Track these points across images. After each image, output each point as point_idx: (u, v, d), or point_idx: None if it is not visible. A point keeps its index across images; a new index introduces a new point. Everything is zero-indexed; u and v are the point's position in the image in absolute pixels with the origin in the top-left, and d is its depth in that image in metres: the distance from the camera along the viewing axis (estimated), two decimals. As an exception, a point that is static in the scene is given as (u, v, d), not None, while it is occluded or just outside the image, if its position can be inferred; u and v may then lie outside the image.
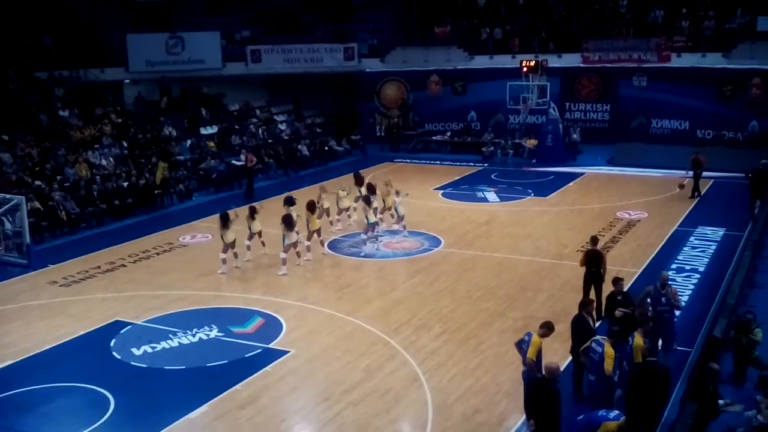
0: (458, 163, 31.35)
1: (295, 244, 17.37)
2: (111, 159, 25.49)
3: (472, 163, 31.27)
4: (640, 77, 32.24)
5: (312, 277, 17.35)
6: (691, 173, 23.91)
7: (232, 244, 17.54)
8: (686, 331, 12.98)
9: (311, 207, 18.28)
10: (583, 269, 14.08)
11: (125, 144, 27.02)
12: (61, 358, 13.18)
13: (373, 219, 18.69)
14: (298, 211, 18.39)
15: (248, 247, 18.22)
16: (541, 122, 32.56)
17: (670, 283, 12.56)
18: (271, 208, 20.83)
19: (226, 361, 12.77)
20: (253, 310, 15.03)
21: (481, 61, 34.01)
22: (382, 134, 35.89)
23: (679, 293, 13.30)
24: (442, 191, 26.05)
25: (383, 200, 20.28)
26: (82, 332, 14.20)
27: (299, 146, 31.63)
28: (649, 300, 11.93)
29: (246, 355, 12.96)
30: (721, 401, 9.54)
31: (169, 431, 10.69)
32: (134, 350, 13.27)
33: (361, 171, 23.04)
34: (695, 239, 19.19)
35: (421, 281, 16.67)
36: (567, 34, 33.55)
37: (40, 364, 12.88)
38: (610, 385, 9.67)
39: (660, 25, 31.83)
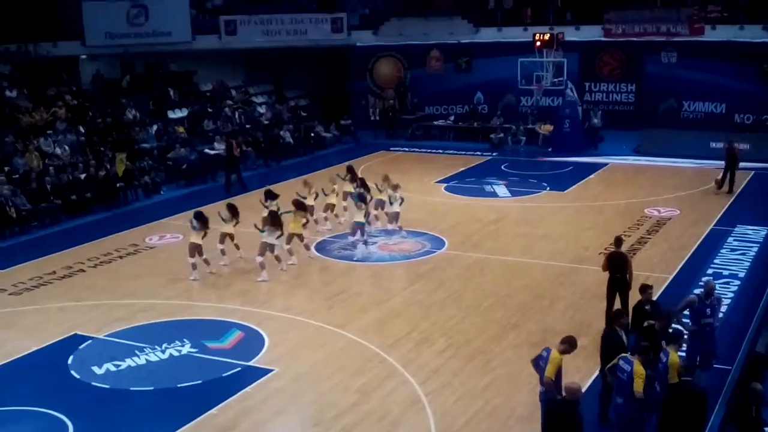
0: (463, 152, 31.39)
1: (272, 246, 17.33)
2: (66, 147, 25.42)
3: (479, 152, 31.31)
4: (670, 53, 32.31)
5: (298, 284, 17.34)
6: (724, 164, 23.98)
7: (231, 236, 17.85)
8: (725, 347, 12.99)
9: (301, 206, 18.30)
10: (606, 274, 14.12)
11: (82, 129, 26.96)
12: (10, 377, 13.12)
13: (362, 219, 18.68)
14: (282, 207, 18.46)
15: (222, 251, 18.21)
16: (557, 105, 32.65)
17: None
18: (249, 203, 20.82)
19: (200, 381, 12.74)
20: (231, 323, 14.99)
21: (489, 34, 34.06)
22: (377, 118, 35.94)
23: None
24: (445, 185, 26.08)
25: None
26: (35, 348, 14.14)
27: (281, 132, 31.61)
28: (687, 311, 11.94)
29: (223, 374, 12.94)
30: (767, 428, 9.58)
31: (137, 462, 10.69)
32: (95, 369, 13.23)
33: (352, 162, 22.97)
34: (734, 240, 19.27)
35: (422, 288, 16.68)
36: (586, 3, 33.58)
37: (-13, 385, 12.88)
38: (640, 409, 9.70)
39: (692, -7, 31.93)
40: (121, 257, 19.34)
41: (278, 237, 17.47)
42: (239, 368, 13.13)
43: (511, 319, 14.87)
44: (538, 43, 30.68)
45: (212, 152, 28.46)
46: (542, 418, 9.96)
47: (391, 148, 32.58)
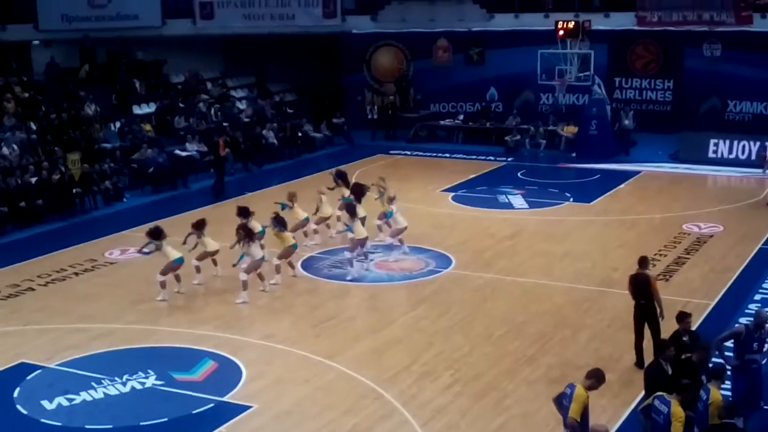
0: (473, 157, 31.43)
1: (259, 263, 17.37)
2: (15, 146, 25.45)
3: (491, 157, 31.35)
4: (713, 45, 32.43)
5: (280, 307, 17.31)
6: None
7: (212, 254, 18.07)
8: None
9: (280, 220, 18.31)
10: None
11: (34, 126, 27.00)
12: (-53, 412, 13.12)
13: (362, 233, 18.68)
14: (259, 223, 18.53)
15: (197, 268, 18.21)
16: (582, 103, 32.70)
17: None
18: (224, 214, 20.83)
19: (166, 419, 12.70)
20: (203, 351, 14.96)
21: (504, 21, 34.21)
22: (374, 117, 36.06)
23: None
24: (453, 194, 26.11)
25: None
26: (-25, 378, 14.14)
27: (264, 132, 31.66)
28: (730, 343, 11.92)
29: (193, 411, 12.89)
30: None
31: None
32: (45, 403, 13.18)
33: (343, 167, 22.99)
34: (786, 261, 19.33)
35: (426, 314, 16.66)
36: (617, -13, 33.78)
37: None
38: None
39: (739, -24, 32.04)
40: (76, 274, 19.30)
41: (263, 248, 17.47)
42: (212, 404, 13.08)
43: (528, 351, 14.83)
44: (561, 32, 30.69)
45: (183, 154, 28.50)
46: None
47: (391, 151, 32.62)
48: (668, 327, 12.99)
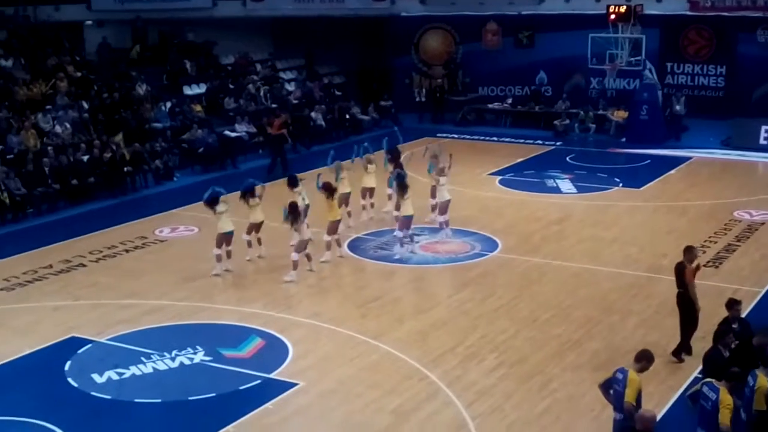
0: (522, 141, 31.31)
1: (306, 243, 17.45)
2: (67, 125, 25.77)
3: (540, 141, 31.20)
4: (767, 31, 31.89)
5: (327, 286, 17.44)
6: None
7: (258, 227, 18.06)
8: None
9: (328, 189, 18.37)
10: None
11: (86, 105, 27.31)
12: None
13: (410, 211, 18.71)
14: (307, 195, 18.63)
15: (248, 243, 18.36)
16: (633, 88, 32.40)
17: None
18: (272, 193, 20.94)
19: (213, 395, 12.85)
20: (251, 329, 15.12)
21: (555, 5, 33.90)
22: (422, 100, 35.94)
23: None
24: (500, 177, 26.03)
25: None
26: (27, 351, 14.38)
27: (312, 114, 31.74)
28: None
29: (240, 388, 13.05)
30: None
31: (140, 484, 10.86)
32: (96, 377, 13.40)
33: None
34: (839, 250, 19.04)
35: (471, 296, 16.68)
36: (671, -30, 33.32)
37: (-27, 392, 13.10)
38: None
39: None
40: (126, 251, 19.56)
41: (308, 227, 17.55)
42: (259, 381, 13.22)
43: (573, 336, 14.79)
44: (613, 16, 30.49)
45: (233, 135, 28.69)
46: None
47: (438, 134, 32.49)
48: (718, 314, 12.86)
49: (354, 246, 19.44)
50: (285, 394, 12.80)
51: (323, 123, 31.76)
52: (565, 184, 25.05)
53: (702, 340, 13.92)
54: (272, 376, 13.39)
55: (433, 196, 20.38)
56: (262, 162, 28.07)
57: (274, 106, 31.54)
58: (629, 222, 21.58)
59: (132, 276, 17.95)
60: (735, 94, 32.65)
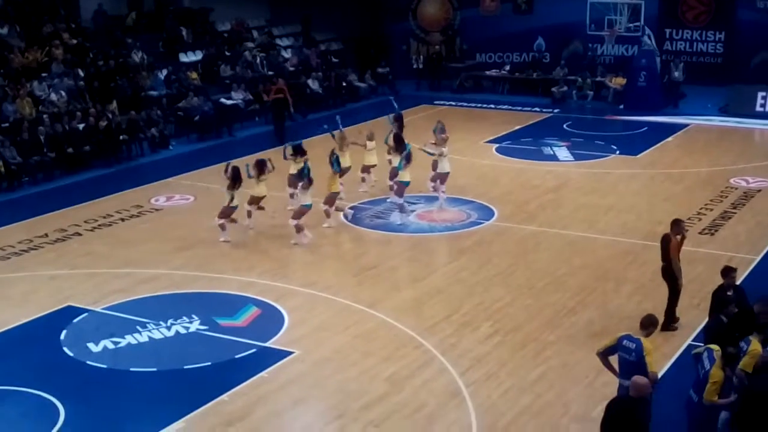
0: (519, 108, 31.20)
1: (305, 210, 17.47)
2: (63, 93, 25.66)
3: (537, 108, 31.11)
4: (768, -4, 31.82)
5: (323, 255, 17.44)
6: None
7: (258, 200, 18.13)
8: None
9: (338, 162, 18.43)
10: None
11: (81, 73, 27.15)
12: (-4, 352, 13.44)
13: (406, 178, 18.75)
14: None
15: (249, 213, 18.35)
16: (631, 54, 32.25)
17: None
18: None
19: (209, 363, 12.89)
20: (247, 297, 15.15)
21: (554, -30, 33.72)
22: (420, 67, 35.83)
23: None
24: (497, 145, 25.98)
25: None
26: (23, 320, 14.40)
27: (308, 81, 31.62)
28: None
29: (236, 356, 13.08)
30: None
31: (136, 452, 10.90)
32: (91, 345, 13.43)
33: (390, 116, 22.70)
34: (835, 217, 19.05)
35: (467, 265, 16.69)
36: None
37: (-31, 361, 13.14)
38: (712, 412, 9.65)
39: None
40: (122, 220, 19.55)
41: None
42: (254, 350, 13.26)
43: (569, 303, 14.82)
44: (612, -18, 30.35)
45: (229, 102, 28.57)
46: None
47: (435, 102, 32.45)
48: (713, 281, 12.89)
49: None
50: (280, 362, 12.83)
51: (320, 90, 31.65)
52: (562, 152, 25.00)
53: (697, 308, 14.03)
54: (268, 344, 13.43)
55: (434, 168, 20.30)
56: (258, 130, 28.12)
57: (270, 73, 31.40)
58: (626, 189, 21.56)
59: (128, 245, 17.94)
60: (734, 60, 32.57)
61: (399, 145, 19.20)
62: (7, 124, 23.48)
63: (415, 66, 35.97)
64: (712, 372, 9.52)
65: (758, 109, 29.12)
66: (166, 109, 27.45)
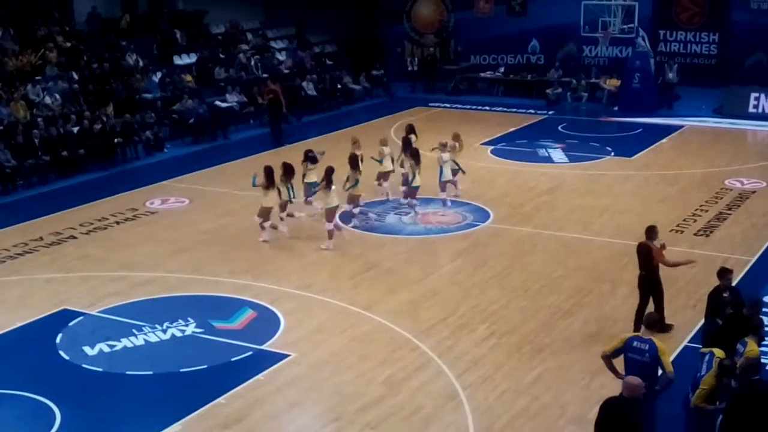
0: (514, 110, 31.24)
1: (335, 210, 17.65)
2: (57, 96, 25.64)
3: (532, 110, 31.15)
4: (761, -2, 31.89)
5: (319, 258, 17.40)
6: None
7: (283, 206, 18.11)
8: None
9: (355, 162, 18.45)
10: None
11: (75, 76, 27.15)
12: (-8, 356, 13.42)
13: (418, 182, 19.02)
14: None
15: (282, 218, 18.25)
16: (625, 56, 32.29)
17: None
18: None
19: (205, 366, 12.89)
20: (242, 300, 15.14)
21: (548, -28, 33.76)
22: (414, 69, 35.88)
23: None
24: (492, 147, 25.99)
25: None
26: (19, 324, 14.37)
27: (303, 83, 31.63)
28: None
29: (232, 359, 13.08)
30: None
31: (132, 456, 10.90)
32: (87, 349, 13.42)
33: (382, 120, 22.77)
34: (829, 218, 19.08)
35: (462, 267, 16.70)
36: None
37: (-36, 365, 13.11)
38: (710, 414, 9.68)
39: None
40: (117, 223, 19.52)
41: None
42: (250, 352, 13.25)
43: (564, 305, 14.83)
44: (606, -17, 30.40)
45: (223, 105, 28.57)
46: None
47: (430, 104, 32.47)
48: (709, 283, 12.91)
49: (345, 217, 19.40)
50: (277, 365, 12.83)
51: (314, 92, 31.66)
52: (557, 154, 25.04)
53: (693, 309, 14.05)
54: (264, 347, 13.42)
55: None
56: (253, 132, 28.12)
57: (265, 75, 31.39)
58: (621, 191, 21.58)
59: (123, 248, 17.92)
60: (728, 61, 32.64)
61: (416, 156, 19.21)
62: (1, 128, 23.44)
63: (409, 68, 36.02)
64: (705, 378, 9.60)
65: (751, 110, 29.18)
66: (160, 112, 27.45)
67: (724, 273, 12.13)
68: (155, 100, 27.96)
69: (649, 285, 13.47)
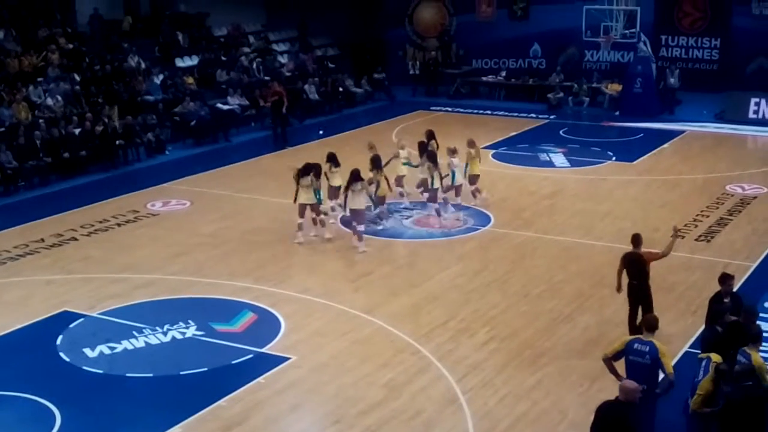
0: (515, 114, 31.26)
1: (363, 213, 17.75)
2: (59, 97, 25.66)
3: (534, 115, 31.15)
4: (762, 3, 31.89)
5: (319, 261, 17.43)
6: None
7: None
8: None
9: (378, 163, 18.47)
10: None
11: (77, 78, 27.16)
12: (-8, 358, 13.42)
13: (438, 184, 18.97)
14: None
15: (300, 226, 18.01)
16: (627, 61, 32.32)
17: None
18: (266, 167, 20.98)
19: (205, 369, 12.89)
20: (243, 303, 15.15)
21: (550, -24, 33.79)
22: (416, 72, 35.91)
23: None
24: (493, 151, 25.99)
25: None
26: (19, 325, 14.38)
27: (305, 86, 31.63)
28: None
29: (232, 362, 13.08)
30: None
31: (132, 458, 10.90)
32: (87, 351, 13.42)
33: (384, 123, 22.77)
34: (830, 224, 19.09)
35: (463, 271, 16.71)
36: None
37: (-35, 366, 13.12)
38: (709, 419, 9.69)
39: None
40: (119, 225, 19.53)
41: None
42: (251, 355, 13.26)
43: (565, 310, 14.83)
44: (608, -12, 30.41)
45: (225, 107, 28.58)
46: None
47: (432, 107, 32.48)
48: (710, 288, 12.92)
49: (347, 221, 19.40)
50: (277, 368, 12.83)
51: (316, 96, 31.66)
52: (558, 158, 25.05)
53: (693, 315, 14.05)
54: (264, 350, 13.43)
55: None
56: (254, 135, 28.15)
57: (266, 78, 31.43)
58: (622, 196, 21.59)
59: (124, 250, 17.93)
60: (729, 67, 32.65)
61: (433, 158, 19.14)
62: (3, 129, 23.47)
63: (411, 72, 36.04)
64: (701, 383, 9.62)
65: (751, 115, 29.21)
66: (162, 114, 27.47)
67: (725, 279, 12.11)
68: (157, 102, 27.97)
69: (639, 294, 13.39)
